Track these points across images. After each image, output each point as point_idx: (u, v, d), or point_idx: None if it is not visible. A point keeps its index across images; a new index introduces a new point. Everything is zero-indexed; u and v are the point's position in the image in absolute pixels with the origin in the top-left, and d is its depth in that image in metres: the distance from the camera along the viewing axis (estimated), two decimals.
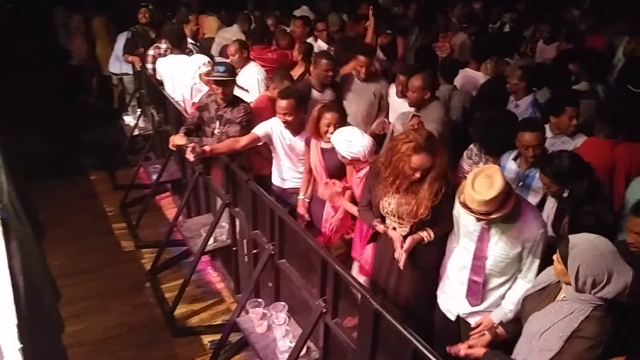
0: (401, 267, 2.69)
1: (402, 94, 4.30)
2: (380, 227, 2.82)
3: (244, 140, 3.65)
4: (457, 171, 3.59)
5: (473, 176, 2.36)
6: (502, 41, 6.26)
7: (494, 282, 2.59)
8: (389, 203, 2.76)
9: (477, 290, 2.61)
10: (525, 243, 2.43)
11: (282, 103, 3.52)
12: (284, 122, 3.59)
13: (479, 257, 2.55)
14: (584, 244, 1.95)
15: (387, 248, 2.84)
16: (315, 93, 4.30)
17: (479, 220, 2.41)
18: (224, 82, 3.82)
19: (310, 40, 5.88)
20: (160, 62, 5.39)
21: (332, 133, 3.26)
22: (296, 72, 5.00)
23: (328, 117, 3.34)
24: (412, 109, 3.95)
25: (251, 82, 4.63)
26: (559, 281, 2.12)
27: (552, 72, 4.81)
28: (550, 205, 3.09)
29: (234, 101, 3.91)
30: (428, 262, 2.86)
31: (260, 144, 3.78)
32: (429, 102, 3.86)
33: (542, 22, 6.67)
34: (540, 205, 3.14)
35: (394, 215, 2.77)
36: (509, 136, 3.29)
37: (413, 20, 7.12)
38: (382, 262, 2.98)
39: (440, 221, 2.71)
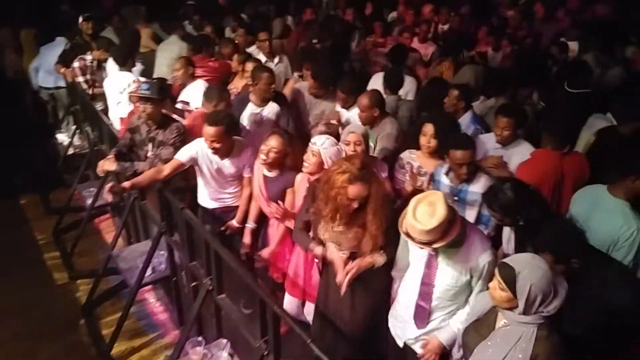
0: (342, 292, 2.58)
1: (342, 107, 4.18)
2: (318, 250, 2.70)
3: (166, 170, 3.41)
4: (394, 182, 3.52)
5: (415, 203, 2.25)
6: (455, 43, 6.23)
7: (443, 309, 2.49)
8: (330, 233, 2.65)
9: (424, 315, 2.52)
10: (473, 271, 2.34)
11: (210, 130, 3.29)
12: (211, 149, 3.37)
13: (426, 284, 2.45)
14: (530, 265, 1.93)
15: (332, 273, 2.72)
16: (253, 107, 4.09)
17: (421, 248, 2.29)
18: (149, 101, 3.56)
19: (252, 49, 5.67)
20: (107, 79, 5.06)
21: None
22: (237, 84, 4.77)
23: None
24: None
25: (197, 99, 4.35)
26: (493, 307, 2.07)
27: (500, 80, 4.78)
28: (508, 231, 2.99)
29: (164, 122, 3.66)
30: (379, 286, 2.74)
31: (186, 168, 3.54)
32: (380, 119, 3.74)
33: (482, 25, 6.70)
34: (478, 219, 3.13)
35: (334, 242, 2.67)
36: None
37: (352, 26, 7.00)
38: (328, 288, 2.84)
39: (391, 243, 2.60)
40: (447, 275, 2.38)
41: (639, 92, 4.38)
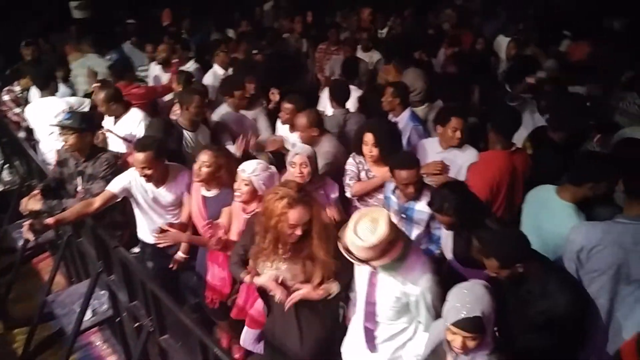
0: (285, 309, 2.46)
1: (285, 121, 4.04)
2: (247, 278, 2.57)
3: (97, 203, 3.16)
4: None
5: (358, 218, 2.16)
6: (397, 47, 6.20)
7: (388, 330, 2.41)
8: (271, 267, 2.50)
9: (371, 337, 2.44)
10: (409, 296, 2.26)
11: (139, 156, 3.10)
12: (143, 176, 3.17)
13: (369, 303, 2.38)
14: (482, 300, 1.88)
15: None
16: (186, 134, 3.91)
17: (359, 264, 2.21)
18: (71, 131, 3.32)
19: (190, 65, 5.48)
20: (29, 107, 4.73)
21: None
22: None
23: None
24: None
25: (134, 130, 4.13)
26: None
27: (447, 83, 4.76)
28: (445, 236, 2.98)
29: (92, 154, 3.42)
30: (330, 315, 2.62)
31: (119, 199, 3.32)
32: (319, 138, 3.63)
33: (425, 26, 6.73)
34: (429, 239, 3.08)
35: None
36: None
37: (301, 34, 6.88)
38: (274, 318, 2.71)
39: (343, 269, 2.45)
40: (387, 294, 2.31)
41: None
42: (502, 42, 6.33)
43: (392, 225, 2.14)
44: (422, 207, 3.05)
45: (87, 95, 5.01)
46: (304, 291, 2.44)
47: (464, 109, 3.78)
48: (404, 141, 3.92)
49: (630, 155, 3.02)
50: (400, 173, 2.98)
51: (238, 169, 2.91)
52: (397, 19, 7.40)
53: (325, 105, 4.61)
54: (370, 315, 2.39)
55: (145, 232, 3.47)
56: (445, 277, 2.65)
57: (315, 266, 2.44)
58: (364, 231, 2.11)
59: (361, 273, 2.41)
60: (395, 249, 2.14)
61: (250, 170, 2.85)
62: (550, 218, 2.73)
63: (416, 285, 2.22)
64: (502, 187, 3.20)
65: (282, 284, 2.46)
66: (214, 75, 5.30)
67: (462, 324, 1.86)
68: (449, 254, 2.94)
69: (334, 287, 2.47)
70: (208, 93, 4.27)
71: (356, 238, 2.10)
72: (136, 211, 3.44)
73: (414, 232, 3.10)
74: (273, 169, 2.95)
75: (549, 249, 2.69)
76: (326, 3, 8.74)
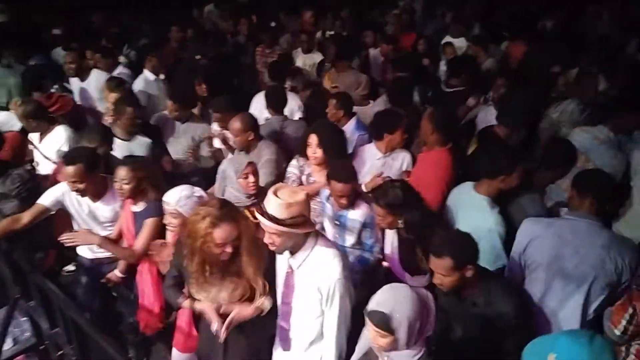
0: (221, 340, 2.36)
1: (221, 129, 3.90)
2: (186, 304, 2.45)
3: (25, 218, 2.96)
4: None
5: (279, 186, 2.22)
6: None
7: (303, 328, 2.37)
8: (205, 292, 2.37)
9: (285, 337, 2.42)
10: (321, 290, 2.23)
11: (68, 170, 2.91)
12: (74, 191, 2.96)
13: (285, 303, 2.35)
14: (397, 301, 1.84)
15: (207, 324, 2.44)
16: (119, 142, 3.69)
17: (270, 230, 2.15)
18: None
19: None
20: None
21: None
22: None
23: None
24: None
25: (61, 148, 3.87)
26: None
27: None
28: (390, 239, 2.98)
29: (2, 171, 3.16)
30: (260, 332, 2.50)
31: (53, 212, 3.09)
32: (255, 143, 3.51)
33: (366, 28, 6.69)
34: (358, 244, 3.08)
35: (209, 301, 2.39)
36: None
37: (247, 37, 6.70)
38: (206, 340, 2.58)
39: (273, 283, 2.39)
40: (304, 293, 2.29)
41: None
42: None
43: (309, 202, 2.18)
44: (355, 216, 3.03)
45: (3, 108, 4.69)
46: (235, 313, 2.33)
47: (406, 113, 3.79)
48: (350, 149, 3.88)
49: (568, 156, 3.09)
50: (336, 185, 2.95)
51: (163, 201, 2.74)
52: (337, 20, 7.33)
53: (258, 109, 4.49)
54: (286, 314, 2.37)
55: (82, 247, 3.26)
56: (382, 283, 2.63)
57: (245, 284, 2.34)
58: (284, 194, 2.14)
59: (279, 274, 2.39)
60: (309, 224, 2.17)
61: (175, 201, 2.69)
62: (467, 212, 2.79)
63: (327, 281, 2.20)
64: (449, 185, 3.25)
65: (222, 314, 2.35)
66: (145, 80, 5.07)
67: (369, 315, 1.85)
68: (394, 253, 2.94)
69: (266, 303, 2.37)
70: (139, 101, 4.06)
71: (276, 198, 2.11)
72: (73, 224, 3.22)
73: (347, 239, 3.08)
74: (199, 192, 2.76)
75: None
76: (270, 5, 8.60)
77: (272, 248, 2.23)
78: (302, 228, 2.17)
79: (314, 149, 3.28)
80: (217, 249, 2.22)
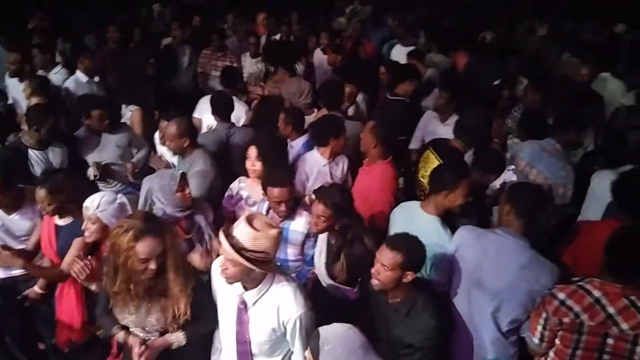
0: None
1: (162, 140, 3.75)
2: (120, 337, 2.30)
3: None
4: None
5: (252, 216, 2.08)
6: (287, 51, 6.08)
7: None
8: (130, 313, 2.25)
9: None
10: (285, 324, 2.15)
11: None
12: None
13: (241, 342, 2.23)
14: (336, 340, 1.84)
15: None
16: (31, 153, 3.49)
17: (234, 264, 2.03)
18: None
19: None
20: None
21: None
22: None
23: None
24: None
25: None
26: None
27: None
28: (319, 249, 2.96)
29: None
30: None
31: None
32: (190, 149, 3.39)
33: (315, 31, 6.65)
34: (301, 255, 3.06)
35: (138, 327, 2.27)
36: None
37: (184, 40, 6.49)
38: None
39: (199, 317, 2.26)
40: (261, 328, 2.18)
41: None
42: (400, 51, 6.39)
43: (279, 240, 2.09)
44: (297, 227, 2.99)
45: None
46: (147, 355, 2.21)
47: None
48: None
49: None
50: (272, 191, 2.90)
51: (83, 206, 2.60)
52: (282, 24, 7.26)
53: (201, 113, 4.37)
54: (244, 355, 2.25)
55: None
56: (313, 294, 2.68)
57: (169, 303, 2.22)
58: (258, 224, 2.03)
59: (226, 313, 2.26)
60: (269, 265, 2.07)
61: (95, 206, 2.57)
62: (418, 233, 2.73)
63: (290, 316, 2.12)
64: (396, 197, 3.29)
65: (147, 348, 2.22)
66: (76, 82, 4.81)
67: (311, 337, 1.88)
68: (321, 270, 2.91)
69: (180, 337, 2.27)
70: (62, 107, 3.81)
71: (248, 226, 2.00)
72: None
73: (290, 253, 3.04)
74: (122, 198, 2.65)
75: None
76: (216, 7, 8.43)
77: (222, 275, 2.11)
78: (262, 267, 2.05)
79: (253, 161, 3.19)
80: (141, 265, 2.10)
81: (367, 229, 2.89)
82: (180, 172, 2.89)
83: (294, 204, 3.00)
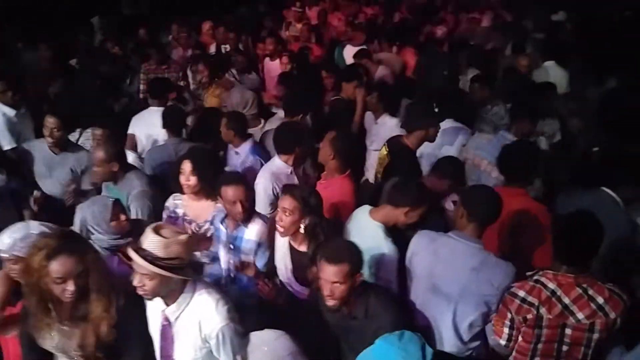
0: None
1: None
2: None
3: None
4: None
5: (158, 225, 2.07)
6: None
7: None
8: (52, 337, 2.11)
9: None
10: (209, 339, 2.10)
11: None
12: None
13: (165, 357, 2.18)
14: (264, 346, 1.83)
15: None
16: None
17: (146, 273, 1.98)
18: None
19: None
20: None
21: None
22: None
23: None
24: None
25: None
26: None
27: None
28: (282, 254, 2.88)
29: None
30: None
31: None
32: (121, 174, 3.23)
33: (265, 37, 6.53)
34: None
35: (61, 352, 2.14)
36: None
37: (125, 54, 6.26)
38: None
39: (126, 341, 2.13)
40: (186, 345, 2.13)
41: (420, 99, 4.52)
42: (351, 51, 6.34)
43: (192, 245, 2.09)
44: (251, 235, 2.91)
45: None
46: None
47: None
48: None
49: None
50: (226, 190, 2.82)
51: None
52: (231, 33, 7.10)
53: (135, 129, 4.21)
54: None
55: None
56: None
57: (90, 327, 2.08)
58: (166, 232, 2.02)
59: (154, 331, 2.20)
60: (188, 271, 2.04)
61: (9, 248, 2.33)
62: (361, 237, 2.73)
63: (212, 330, 2.08)
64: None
65: None
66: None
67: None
68: (286, 272, 2.86)
69: None
70: None
71: (155, 235, 1.99)
72: None
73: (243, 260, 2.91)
74: (36, 227, 2.40)
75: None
76: (159, 17, 8.19)
77: (140, 292, 2.04)
78: (179, 273, 2.01)
79: (188, 176, 3.07)
80: (57, 286, 1.97)
81: (340, 232, 2.80)
82: (113, 199, 2.73)
83: (249, 212, 2.90)
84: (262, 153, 3.84)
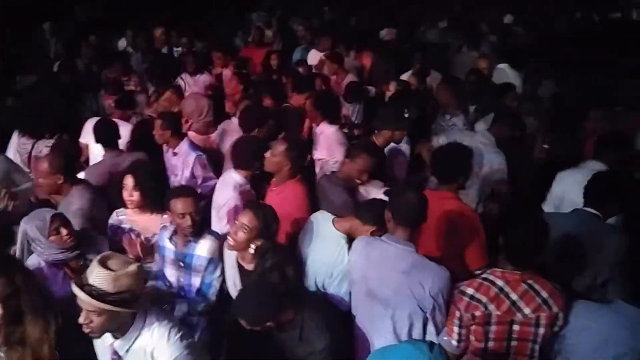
0: None
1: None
2: None
3: None
4: None
5: (104, 257, 1.94)
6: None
7: None
8: None
9: None
10: None
11: None
12: None
13: None
14: None
15: None
16: None
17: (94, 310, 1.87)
18: None
19: None
20: None
21: None
22: None
23: None
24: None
25: None
26: None
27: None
28: (231, 274, 2.81)
29: None
30: None
31: None
32: (67, 188, 3.10)
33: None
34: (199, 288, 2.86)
35: None
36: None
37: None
38: None
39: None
40: None
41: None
42: (315, 56, 6.40)
43: (142, 275, 2.00)
44: (202, 251, 2.82)
45: None
46: None
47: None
48: (187, 173, 3.63)
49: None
50: (176, 203, 2.73)
51: None
52: (184, 37, 7.02)
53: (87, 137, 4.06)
54: None
55: None
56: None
57: (28, 352, 1.98)
58: (113, 264, 1.91)
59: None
60: (139, 304, 1.94)
61: None
62: (324, 246, 2.71)
63: (164, 357, 1.98)
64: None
65: None
66: None
67: None
68: (235, 289, 2.78)
69: None
70: None
71: (102, 269, 1.88)
72: None
73: (194, 281, 2.85)
74: None
75: (319, 279, 2.72)
76: (114, 22, 8.01)
77: (86, 330, 1.93)
78: (132, 306, 1.92)
79: (130, 192, 2.99)
80: None
81: (291, 259, 2.67)
82: (53, 213, 2.62)
83: (200, 226, 2.83)
84: (200, 149, 3.79)
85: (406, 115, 3.83)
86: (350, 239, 2.67)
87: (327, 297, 2.72)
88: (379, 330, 2.41)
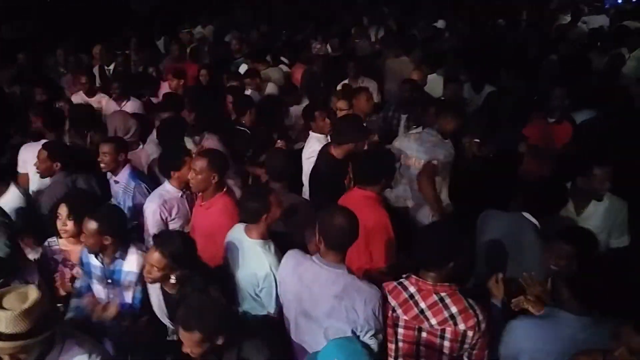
0: None
1: None
2: None
3: None
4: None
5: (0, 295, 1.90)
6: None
7: None
8: None
9: None
10: None
11: None
12: None
13: None
14: None
15: None
16: None
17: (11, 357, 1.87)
18: None
19: None
20: None
21: None
22: None
23: None
24: None
25: None
26: None
27: None
28: (156, 300, 2.78)
29: None
30: None
31: None
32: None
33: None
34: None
35: None
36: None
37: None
38: None
39: None
40: None
41: None
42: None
43: (44, 298, 1.95)
44: (130, 267, 2.83)
45: None
46: None
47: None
48: (130, 202, 3.58)
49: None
50: (87, 224, 2.71)
51: None
52: (120, 56, 6.89)
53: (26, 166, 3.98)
54: None
55: None
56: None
57: None
58: (13, 302, 1.87)
59: None
60: (50, 324, 1.92)
61: None
62: (244, 260, 2.74)
63: None
64: None
65: None
66: None
67: None
68: (160, 311, 2.79)
69: None
70: None
71: (6, 311, 1.83)
72: None
73: (126, 297, 2.85)
74: None
75: (250, 290, 2.72)
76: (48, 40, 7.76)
77: None
78: (44, 332, 1.89)
79: (64, 221, 2.96)
80: None
81: (212, 277, 2.64)
82: None
83: (124, 245, 2.84)
84: (142, 177, 3.76)
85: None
86: (265, 243, 2.72)
87: (261, 306, 2.74)
88: (314, 346, 2.38)
